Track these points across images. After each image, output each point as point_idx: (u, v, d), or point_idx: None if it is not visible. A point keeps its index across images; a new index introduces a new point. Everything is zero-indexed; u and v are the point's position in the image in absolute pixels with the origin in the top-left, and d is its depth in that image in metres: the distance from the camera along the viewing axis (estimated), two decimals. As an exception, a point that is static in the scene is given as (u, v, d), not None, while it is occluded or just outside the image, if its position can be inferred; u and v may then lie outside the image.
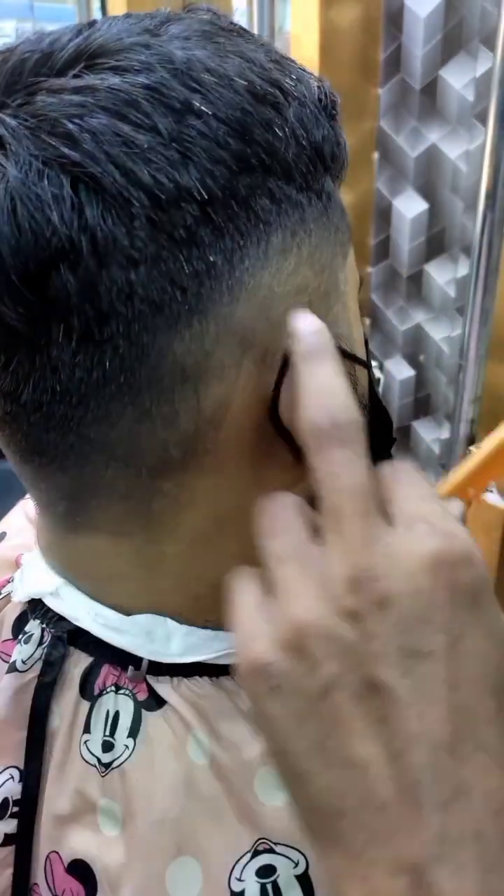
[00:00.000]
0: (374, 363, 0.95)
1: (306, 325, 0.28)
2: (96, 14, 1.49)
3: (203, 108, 0.27)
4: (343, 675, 0.24)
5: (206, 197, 0.27)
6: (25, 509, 0.50)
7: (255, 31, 0.94)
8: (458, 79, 1.02)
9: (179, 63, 0.27)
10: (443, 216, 1.11)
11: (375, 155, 1.16)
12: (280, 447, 0.31)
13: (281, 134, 0.29)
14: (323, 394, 0.27)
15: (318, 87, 0.31)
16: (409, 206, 1.13)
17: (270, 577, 0.27)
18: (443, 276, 1.14)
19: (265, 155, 0.28)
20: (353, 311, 0.35)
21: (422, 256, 1.15)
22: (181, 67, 0.27)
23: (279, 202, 0.29)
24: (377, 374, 1.25)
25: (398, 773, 0.24)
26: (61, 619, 0.36)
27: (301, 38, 1.08)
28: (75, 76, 0.27)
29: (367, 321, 1.28)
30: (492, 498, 1.17)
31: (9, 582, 0.42)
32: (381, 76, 1.11)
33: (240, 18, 1.46)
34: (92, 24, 0.29)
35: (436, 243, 1.14)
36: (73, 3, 1.46)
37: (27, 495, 0.52)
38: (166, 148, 0.26)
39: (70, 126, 0.26)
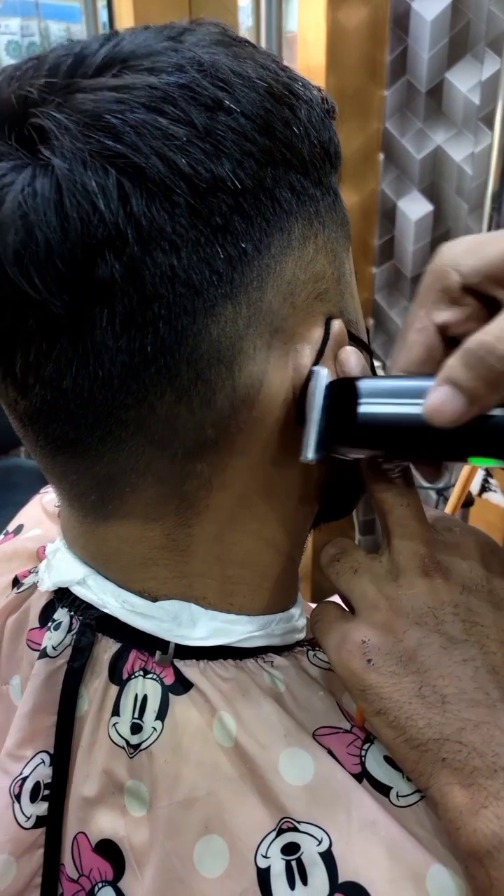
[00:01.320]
0: (376, 363, 0.97)
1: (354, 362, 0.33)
2: (101, 11, 1.51)
3: (232, 105, 0.29)
4: (427, 635, 0.32)
5: (239, 187, 0.28)
6: (42, 503, 0.51)
7: (262, 29, 0.95)
8: (463, 82, 1.03)
9: (207, 65, 0.29)
10: (448, 218, 1.12)
11: (381, 156, 1.17)
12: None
13: (298, 132, 0.31)
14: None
15: (320, 94, 0.33)
16: (414, 208, 1.14)
17: (345, 589, 0.34)
18: (447, 277, 1.15)
19: (286, 150, 0.30)
20: (357, 300, 0.37)
21: (426, 258, 1.16)
22: (209, 69, 0.29)
23: (298, 194, 0.31)
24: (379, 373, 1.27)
25: (483, 698, 0.31)
26: (89, 606, 0.37)
27: (308, 40, 1.09)
28: (113, 76, 0.28)
29: (371, 321, 1.29)
30: (493, 497, 1.18)
31: (30, 573, 0.43)
32: (388, 78, 1.12)
33: (245, 18, 1.47)
34: (115, 34, 0.31)
35: (440, 245, 1.15)
36: (79, 2, 1.47)
37: (42, 489, 0.53)
38: (202, 141, 0.28)
39: (113, 120, 0.27)
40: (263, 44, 0.97)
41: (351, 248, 0.37)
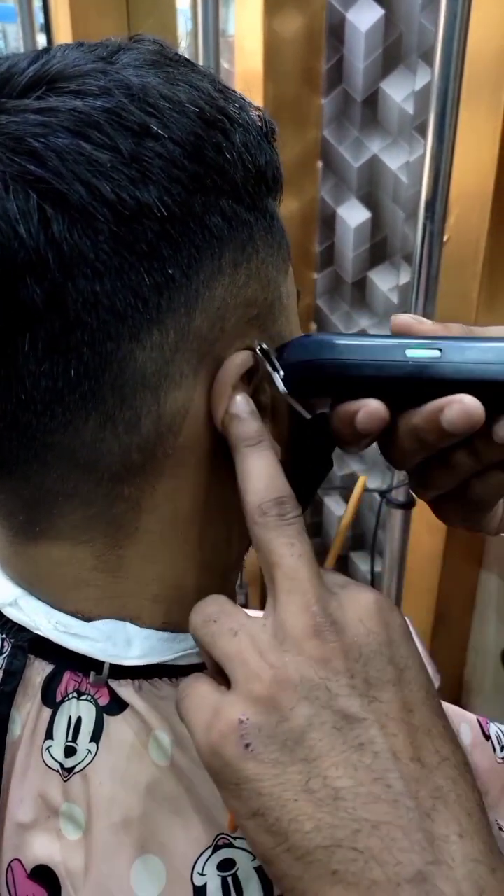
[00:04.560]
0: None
1: (242, 409, 0.32)
2: (38, 13, 1.48)
3: (160, 130, 0.28)
4: (318, 713, 0.27)
5: (166, 213, 0.28)
6: None
7: (199, 32, 0.95)
8: (398, 92, 1.05)
9: (136, 89, 0.29)
10: (385, 225, 1.14)
11: (319, 164, 1.18)
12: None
13: (230, 157, 0.30)
14: (265, 477, 0.31)
15: (259, 116, 0.33)
16: (353, 215, 1.16)
17: (221, 656, 0.29)
18: (386, 283, 1.17)
19: (217, 176, 0.30)
20: (294, 322, 0.37)
21: (365, 264, 1.18)
22: (137, 93, 0.29)
23: (230, 220, 0.31)
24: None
25: (383, 791, 0.26)
26: (21, 629, 0.36)
27: (245, 48, 1.10)
28: (38, 98, 0.28)
29: (314, 326, 1.31)
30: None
31: None
32: (324, 87, 1.13)
33: (184, 21, 1.47)
34: (46, 51, 0.30)
35: (378, 251, 1.17)
36: (14, 2, 1.44)
37: None
38: (127, 167, 0.28)
39: (35, 144, 0.27)
40: (201, 48, 0.97)
41: (291, 269, 0.37)
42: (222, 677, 0.29)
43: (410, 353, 0.32)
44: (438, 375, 0.32)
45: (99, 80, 0.28)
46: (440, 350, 0.32)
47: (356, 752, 0.26)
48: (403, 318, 0.35)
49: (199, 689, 0.30)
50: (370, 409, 0.32)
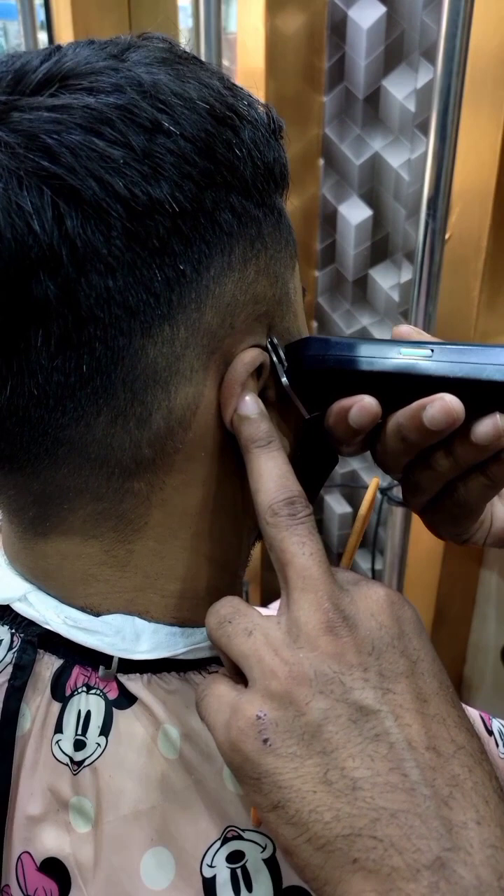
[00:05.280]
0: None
1: (252, 410, 0.33)
2: (39, 10, 1.48)
3: (171, 127, 0.29)
4: (333, 707, 0.27)
5: (177, 209, 0.29)
6: None
7: (202, 29, 0.95)
8: (399, 89, 1.05)
9: (147, 86, 0.29)
10: (386, 223, 1.14)
11: (321, 161, 1.18)
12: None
13: (239, 153, 0.31)
14: (276, 477, 0.32)
15: (266, 113, 0.33)
16: (354, 213, 1.16)
17: (237, 655, 0.30)
18: (387, 280, 1.17)
19: (227, 172, 0.30)
20: (301, 318, 0.37)
21: (367, 261, 1.18)
22: (149, 90, 0.29)
23: (240, 216, 0.31)
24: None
25: (400, 781, 0.26)
26: (31, 623, 0.36)
27: (247, 45, 1.10)
28: (51, 95, 0.28)
29: (315, 324, 1.31)
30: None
31: None
32: (326, 84, 1.13)
33: (185, 18, 1.47)
34: (58, 48, 0.31)
35: (380, 249, 1.17)
36: (14, 0, 1.44)
37: None
38: (139, 163, 0.28)
39: (49, 141, 0.27)
40: (203, 45, 0.97)
41: (297, 266, 0.37)
42: (239, 676, 0.30)
43: (404, 350, 0.34)
44: (425, 373, 0.33)
45: (111, 77, 0.29)
46: (431, 350, 0.34)
47: (372, 742, 0.27)
48: (404, 328, 0.37)
49: (218, 689, 0.30)
50: (364, 403, 0.33)
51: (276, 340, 0.34)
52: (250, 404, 0.33)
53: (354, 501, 1.38)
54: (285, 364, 0.34)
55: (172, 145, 0.28)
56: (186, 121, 0.29)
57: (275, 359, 0.34)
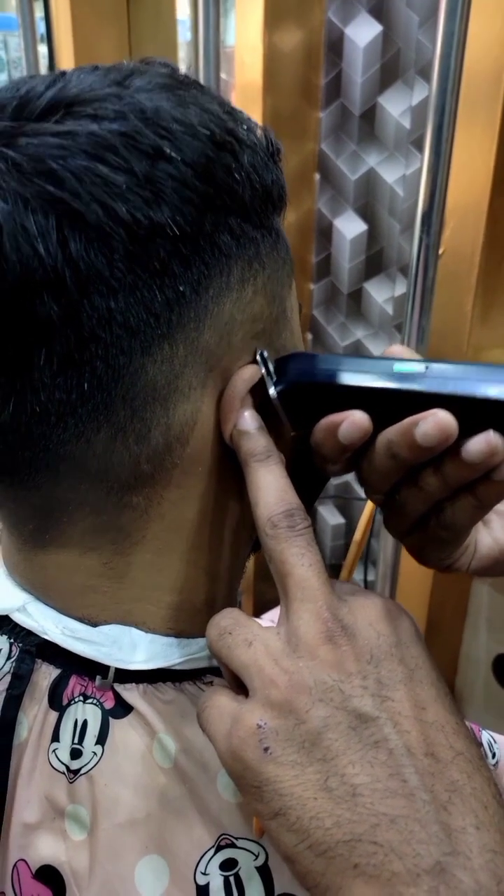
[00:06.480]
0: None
1: (251, 425, 0.33)
2: (39, 23, 1.49)
3: (172, 153, 0.29)
4: (333, 714, 0.28)
5: (178, 233, 0.29)
6: None
7: (200, 43, 0.96)
8: (395, 106, 1.06)
9: (149, 112, 0.30)
10: (381, 237, 1.16)
11: (317, 176, 1.20)
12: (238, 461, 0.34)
13: (238, 177, 0.32)
14: (275, 490, 0.32)
15: (265, 136, 0.34)
16: (349, 227, 1.17)
17: (238, 666, 0.30)
18: (381, 294, 1.18)
19: (226, 196, 0.31)
20: (297, 335, 0.38)
21: (361, 275, 1.20)
22: (151, 116, 0.30)
23: (238, 238, 0.32)
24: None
25: (399, 786, 0.27)
26: (29, 633, 0.37)
27: (245, 61, 1.11)
28: (56, 121, 0.29)
29: (310, 336, 1.32)
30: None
31: None
32: (322, 100, 1.15)
33: (184, 31, 1.48)
34: (62, 74, 0.31)
35: (374, 263, 1.18)
36: (15, 13, 1.45)
37: None
38: (141, 188, 0.29)
39: (54, 166, 0.28)
40: (202, 59, 0.98)
41: (294, 284, 0.38)
42: (240, 687, 0.31)
43: (397, 367, 0.34)
44: (417, 389, 0.33)
45: (114, 104, 0.29)
46: (426, 367, 0.33)
47: (371, 749, 0.27)
48: (396, 348, 0.37)
49: (218, 700, 0.31)
50: (355, 418, 0.33)
51: (265, 353, 0.35)
52: (249, 419, 0.33)
53: (347, 513, 1.39)
54: (274, 377, 0.34)
55: (174, 170, 0.29)
56: (187, 146, 0.30)
57: (263, 371, 0.34)
